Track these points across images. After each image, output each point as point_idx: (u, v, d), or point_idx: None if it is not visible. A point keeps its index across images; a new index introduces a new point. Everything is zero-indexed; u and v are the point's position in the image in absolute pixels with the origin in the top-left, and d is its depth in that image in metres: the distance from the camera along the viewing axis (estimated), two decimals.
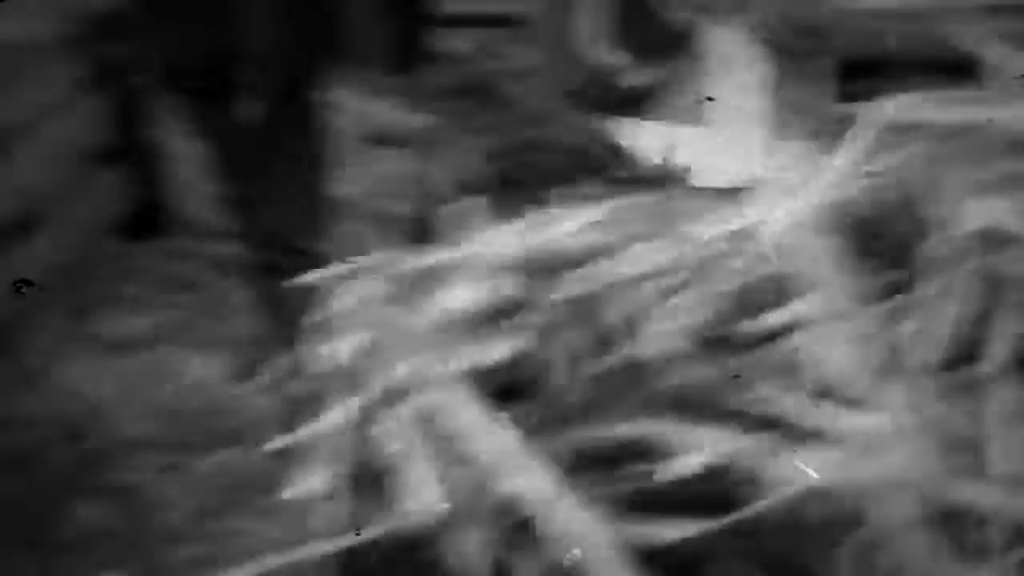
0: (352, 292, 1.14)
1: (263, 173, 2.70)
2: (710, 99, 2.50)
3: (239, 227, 3.02)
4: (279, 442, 1.04)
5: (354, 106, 5.18)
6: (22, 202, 3.45)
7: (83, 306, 3.74)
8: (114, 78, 3.94)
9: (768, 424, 0.96)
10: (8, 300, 3.36)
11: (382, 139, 5.10)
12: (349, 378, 1.08)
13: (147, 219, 4.21)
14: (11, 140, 3.41)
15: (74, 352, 3.52)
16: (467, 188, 4.34)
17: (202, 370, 3.40)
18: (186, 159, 3.63)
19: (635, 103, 2.53)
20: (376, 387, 1.04)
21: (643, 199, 1.26)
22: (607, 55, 2.54)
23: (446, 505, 0.93)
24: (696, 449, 0.96)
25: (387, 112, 5.43)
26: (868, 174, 1.15)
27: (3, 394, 3.25)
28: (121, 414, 3.25)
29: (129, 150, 4.10)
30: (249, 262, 3.04)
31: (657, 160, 2.45)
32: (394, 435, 0.98)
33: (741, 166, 2.36)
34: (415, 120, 5.37)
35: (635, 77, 2.49)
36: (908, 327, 1.02)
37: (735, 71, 2.49)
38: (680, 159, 2.47)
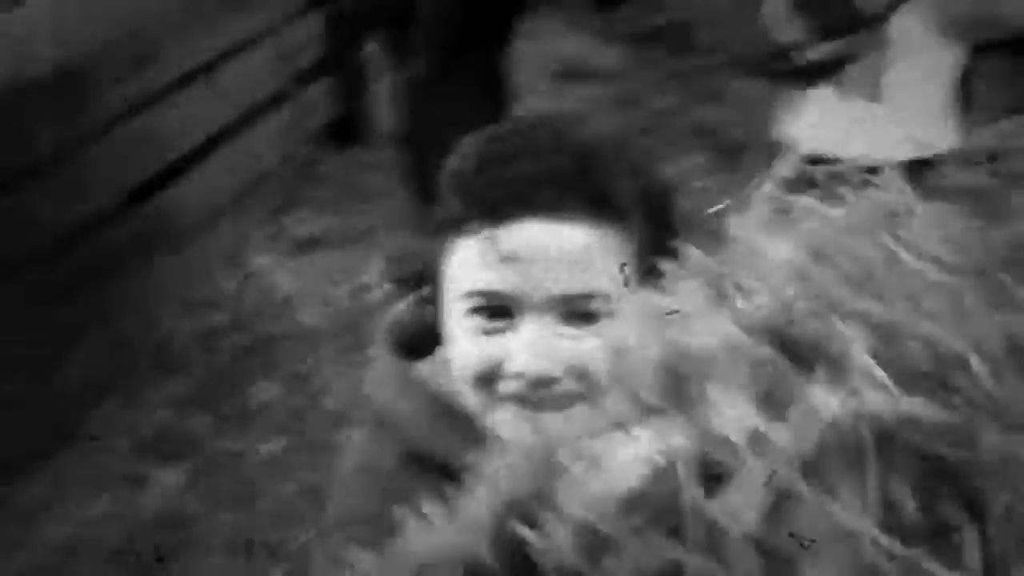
0: None
1: (440, 120, 2.90)
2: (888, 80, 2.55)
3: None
4: None
5: (549, 42, 5.38)
6: (236, 110, 3.81)
7: (279, 205, 4.11)
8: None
9: None
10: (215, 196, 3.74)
11: (574, 74, 5.28)
12: None
13: (346, 130, 4.56)
14: (231, 56, 3.76)
15: (265, 247, 3.90)
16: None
17: (375, 274, 3.71)
18: (385, 79, 3.90)
19: (814, 76, 2.60)
20: None
21: None
22: (792, 29, 2.62)
23: None
24: None
25: (581, 47, 5.60)
26: None
27: (199, 279, 3.64)
28: (300, 306, 3.60)
29: (336, 65, 4.43)
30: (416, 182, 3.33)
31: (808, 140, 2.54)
32: None
33: (910, 146, 2.43)
34: (608, 57, 5.53)
35: (816, 52, 2.57)
36: None
37: (921, 54, 2.54)
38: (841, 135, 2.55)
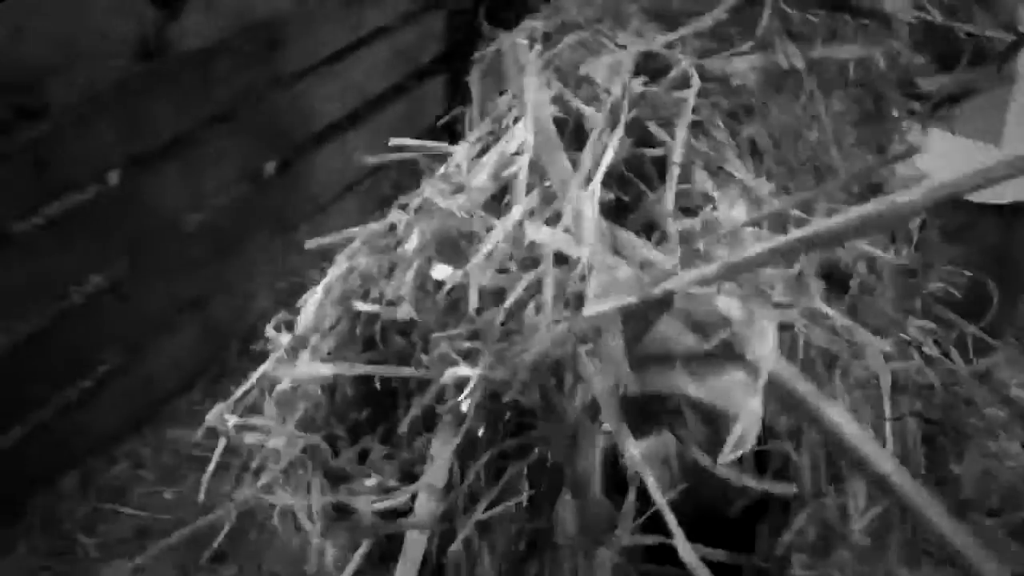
0: None
1: None
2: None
3: None
4: None
5: None
6: (352, 102, 3.93)
7: (387, 196, 4.20)
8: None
9: None
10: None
11: None
12: None
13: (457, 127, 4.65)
14: (350, 52, 3.87)
15: None
16: None
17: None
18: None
19: (934, 109, 2.53)
20: None
21: None
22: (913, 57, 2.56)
23: None
24: None
25: None
26: None
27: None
28: None
29: (453, 61, 4.53)
30: None
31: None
32: None
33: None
34: None
35: (933, 83, 2.50)
36: None
37: None
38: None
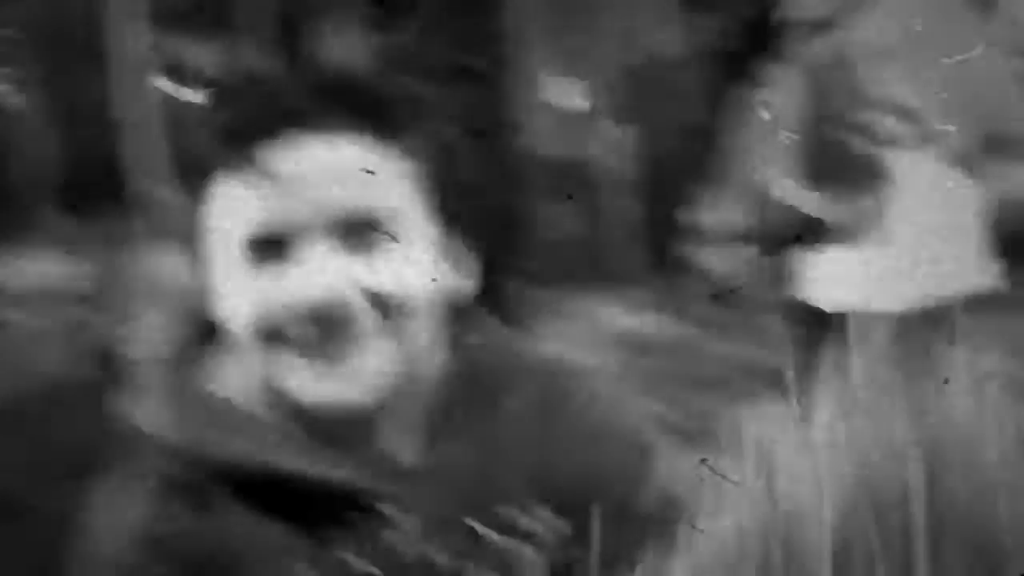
0: None
1: None
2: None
3: None
4: None
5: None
6: None
7: None
8: None
9: None
10: None
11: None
12: None
13: None
14: None
15: None
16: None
17: None
18: None
19: (821, 238, 2.51)
20: None
21: None
22: (793, 190, 2.53)
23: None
24: None
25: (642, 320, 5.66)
26: None
27: None
28: None
29: None
30: None
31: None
32: None
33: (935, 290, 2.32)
34: (670, 328, 5.58)
35: (823, 211, 2.48)
36: None
37: (931, 201, 2.45)
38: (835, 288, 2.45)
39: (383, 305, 0.87)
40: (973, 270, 2.42)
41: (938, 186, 2.40)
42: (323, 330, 0.86)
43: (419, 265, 0.89)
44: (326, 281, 0.86)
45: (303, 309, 0.86)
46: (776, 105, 2.50)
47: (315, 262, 0.86)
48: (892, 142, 2.37)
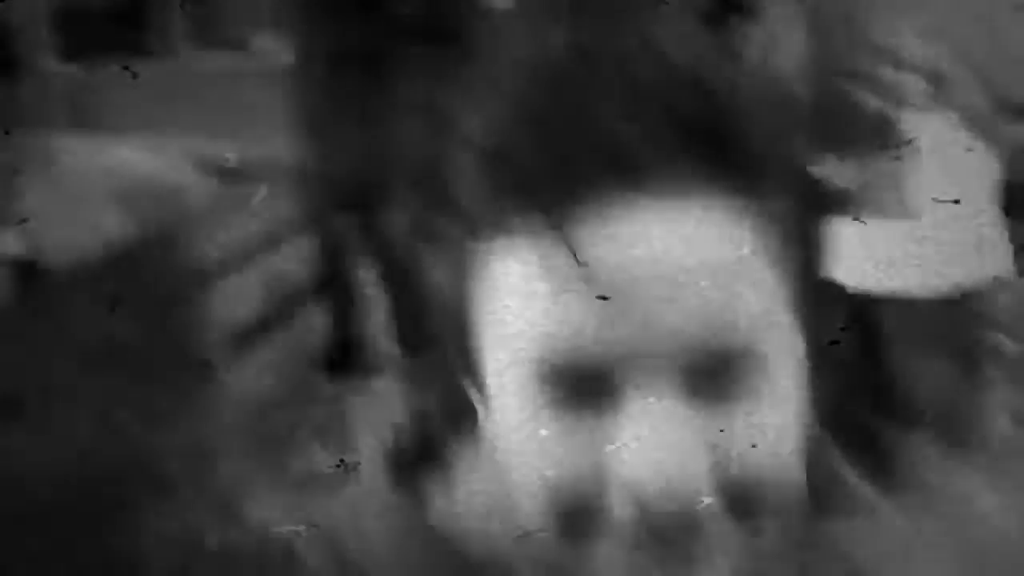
0: None
1: None
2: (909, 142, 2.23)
3: None
4: None
5: None
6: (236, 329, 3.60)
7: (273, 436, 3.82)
8: (321, 219, 4.11)
9: None
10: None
11: None
12: None
13: (344, 356, 4.30)
14: (221, 274, 3.57)
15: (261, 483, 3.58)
16: None
17: None
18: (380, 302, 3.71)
19: (840, 204, 2.31)
20: None
21: None
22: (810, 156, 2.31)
23: None
24: None
25: None
26: None
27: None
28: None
29: (331, 288, 4.23)
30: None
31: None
32: None
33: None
34: None
35: (839, 177, 2.28)
36: None
37: (945, 163, 2.26)
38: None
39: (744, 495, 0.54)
40: (994, 252, 2.24)
41: (953, 154, 2.20)
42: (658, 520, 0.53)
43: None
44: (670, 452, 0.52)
45: (630, 491, 0.53)
46: (774, 46, 2.25)
47: (652, 421, 0.53)
48: (905, 101, 2.16)
